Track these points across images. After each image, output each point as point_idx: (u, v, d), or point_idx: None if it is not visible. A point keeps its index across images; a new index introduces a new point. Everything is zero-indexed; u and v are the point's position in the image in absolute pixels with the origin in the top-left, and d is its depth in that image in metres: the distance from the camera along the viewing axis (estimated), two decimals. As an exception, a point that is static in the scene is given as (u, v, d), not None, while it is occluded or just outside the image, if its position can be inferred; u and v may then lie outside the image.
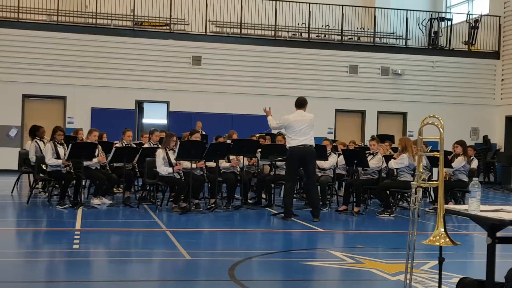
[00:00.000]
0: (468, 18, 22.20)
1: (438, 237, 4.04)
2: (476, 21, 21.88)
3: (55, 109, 19.25)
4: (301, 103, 10.31)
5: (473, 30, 21.93)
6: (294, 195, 11.28)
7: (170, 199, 11.48)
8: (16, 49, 18.55)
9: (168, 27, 20.31)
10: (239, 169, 11.72)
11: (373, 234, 9.56)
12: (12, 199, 12.26)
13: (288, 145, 10.07)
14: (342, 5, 21.13)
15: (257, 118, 19.66)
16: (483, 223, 4.06)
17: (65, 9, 19.82)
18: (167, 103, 19.81)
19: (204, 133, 15.26)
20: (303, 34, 21.48)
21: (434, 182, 4.43)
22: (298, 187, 12.75)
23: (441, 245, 4.06)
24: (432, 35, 22.20)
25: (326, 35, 21.82)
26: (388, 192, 11.18)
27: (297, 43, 20.89)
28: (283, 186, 12.52)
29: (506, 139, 21.06)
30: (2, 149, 18.43)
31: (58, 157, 10.77)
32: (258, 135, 14.35)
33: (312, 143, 10.19)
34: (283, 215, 10.25)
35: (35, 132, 12.40)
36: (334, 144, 13.49)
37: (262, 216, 10.86)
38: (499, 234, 4.05)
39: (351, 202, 11.29)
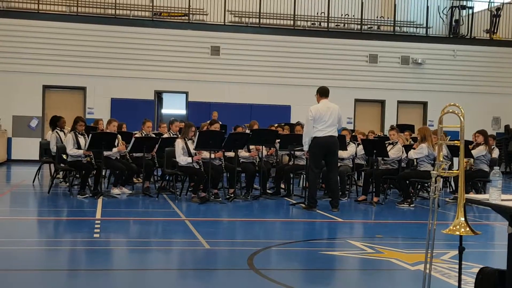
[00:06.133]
0: (489, 6, 21.90)
1: (458, 227, 3.99)
2: (498, 9, 21.58)
3: (75, 99, 19.39)
4: (326, 92, 10.23)
5: (494, 19, 21.65)
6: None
7: (189, 189, 11.53)
8: (37, 40, 18.70)
9: (187, 18, 20.32)
10: (258, 159, 11.73)
11: (393, 224, 9.51)
12: (34, 189, 12.39)
13: (313, 135, 9.98)
14: (362, -6, 21.01)
15: (276, 108, 19.70)
16: (504, 213, 4.02)
17: (84, 0, 19.92)
18: (186, 93, 19.86)
19: (220, 123, 15.28)
20: (322, 24, 21.36)
21: (455, 171, 4.38)
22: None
23: (461, 234, 4.01)
24: (453, 23, 21.95)
25: (346, 24, 21.69)
26: (407, 182, 11.11)
27: (316, 33, 20.79)
28: (302, 176, 12.52)
29: (529, 129, 20.82)
30: (24, 140, 18.66)
31: (79, 147, 10.85)
32: (276, 125, 14.32)
33: (336, 134, 10.16)
34: (304, 205, 10.23)
35: (56, 122, 12.51)
36: (353, 134, 13.43)
37: (281, 206, 10.86)
38: (520, 223, 4.00)
39: (371, 192, 11.24)
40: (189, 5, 20.06)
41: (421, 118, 21.18)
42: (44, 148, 12.86)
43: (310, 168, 10.17)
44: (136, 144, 11.27)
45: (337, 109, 10.08)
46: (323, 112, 9.93)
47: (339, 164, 11.71)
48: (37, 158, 13.68)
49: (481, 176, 11.60)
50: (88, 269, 5.89)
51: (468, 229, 4.00)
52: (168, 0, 20.22)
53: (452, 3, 22.27)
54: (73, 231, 8.05)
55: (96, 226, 8.02)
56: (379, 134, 15.45)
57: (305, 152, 10.28)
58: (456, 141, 4.40)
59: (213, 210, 9.90)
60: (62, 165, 11.33)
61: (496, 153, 12.44)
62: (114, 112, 18.53)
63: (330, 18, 21.00)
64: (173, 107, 22.40)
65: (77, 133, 11.00)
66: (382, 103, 21.12)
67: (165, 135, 12.26)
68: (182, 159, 10.61)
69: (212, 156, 10.64)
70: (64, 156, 11.14)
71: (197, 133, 10.61)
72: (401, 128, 14.14)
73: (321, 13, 21.15)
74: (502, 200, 4.02)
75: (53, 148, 11.85)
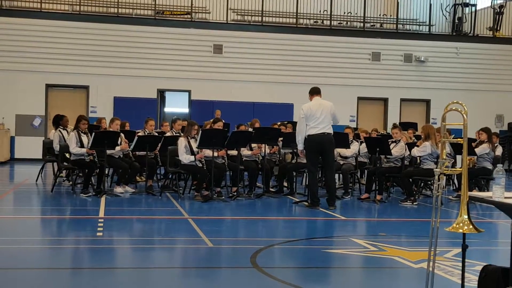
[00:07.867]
0: (492, 3, 21.85)
1: (461, 224, 3.99)
2: (501, 6, 21.54)
3: (78, 98, 19.42)
4: (318, 90, 10.26)
5: (498, 16, 21.61)
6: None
7: (192, 187, 11.53)
8: (39, 39, 18.71)
9: (189, 16, 20.32)
10: (260, 157, 11.73)
11: (396, 222, 9.51)
12: (37, 188, 12.41)
13: (307, 133, 9.99)
14: (364, -8, 20.97)
15: (279, 106, 19.69)
16: (507, 210, 4.01)
17: (87, -2, 19.97)
18: (189, 91, 19.86)
19: (223, 121, 15.28)
20: (325, 22, 21.35)
21: (458, 169, 4.37)
22: (319, 175, 12.71)
23: (465, 232, 4.01)
24: (456, 21, 21.91)
25: (348, 22, 21.66)
26: (411, 180, 11.10)
27: (319, 31, 20.76)
28: (304, 174, 12.51)
29: (532, 126, 20.78)
30: (27, 138, 18.68)
31: (82, 145, 10.87)
32: (279, 123, 14.31)
33: (331, 131, 10.14)
34: (307, 203, 10.23)
35: (59, 121, 12.53)
36: (356, 132, 13.42)
37: (284, 204, 10.86)
38: (524, 221, 3.99)
39: (374, 190, 11.23)
40: (192, 4, 20.05)
41: (424, 116, 21.15)
42: (47, 147, 12.88)
43: (308, 167, 10.20)
44: (139, 143, 11.28)
45: (330, 106, 10.05)
46: (315, 109, 9.94)
47: (342, 162, 11.73)
48: (40, 157, 13.70)
49: (484, 174, 11.57)
50: (92, 267, 5.89)
51: (471, 226, 3.99)
52: (170, -2, 20.24)
53: (455, 0, 22.23)
54: (76, 230, 8.07)
55: (99, 224, 8.03)
56: (382, 132, 15.43)
57: (299, 151, 10.31)
58: (459, 139, 4.40)
59: (216, 209, 9.91)
60: (65, 163, 11.35)
61: (499, 151, 12.43)
62: (117, 111, 18.55)
63: (332, 16, 20.98)
64: (176, 105, 22.39)
65: (80, 131, 11.01)
66: (385, 101, 21.10)
67: (168, 134, 12.27)
68: (185, 158, 10.61)
69: (215, 154, 10.65)
70: (67, 155, 11.16)
71: (200, 131, 10.61)
72: (404, 126, 14.12)
73: (324, 11, 21.13)
74: (505, 197, 4.01)
75: (56, 146, 11.86)
